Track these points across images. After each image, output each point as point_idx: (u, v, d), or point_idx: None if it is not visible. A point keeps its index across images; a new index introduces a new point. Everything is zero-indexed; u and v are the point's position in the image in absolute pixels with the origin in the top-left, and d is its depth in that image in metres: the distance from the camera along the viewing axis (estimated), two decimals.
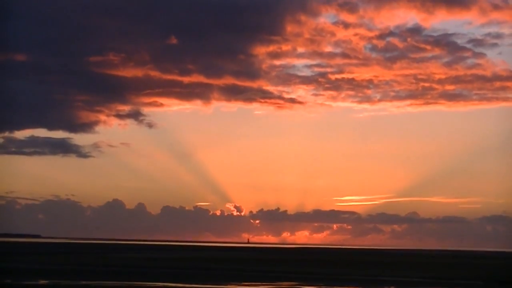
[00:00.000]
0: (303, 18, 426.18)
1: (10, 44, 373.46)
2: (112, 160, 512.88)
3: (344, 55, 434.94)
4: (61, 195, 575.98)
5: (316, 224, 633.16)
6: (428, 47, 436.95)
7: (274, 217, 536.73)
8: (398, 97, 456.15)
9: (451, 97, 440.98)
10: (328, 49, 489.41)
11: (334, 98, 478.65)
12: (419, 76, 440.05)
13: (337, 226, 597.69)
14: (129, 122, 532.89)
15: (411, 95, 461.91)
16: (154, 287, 56.82)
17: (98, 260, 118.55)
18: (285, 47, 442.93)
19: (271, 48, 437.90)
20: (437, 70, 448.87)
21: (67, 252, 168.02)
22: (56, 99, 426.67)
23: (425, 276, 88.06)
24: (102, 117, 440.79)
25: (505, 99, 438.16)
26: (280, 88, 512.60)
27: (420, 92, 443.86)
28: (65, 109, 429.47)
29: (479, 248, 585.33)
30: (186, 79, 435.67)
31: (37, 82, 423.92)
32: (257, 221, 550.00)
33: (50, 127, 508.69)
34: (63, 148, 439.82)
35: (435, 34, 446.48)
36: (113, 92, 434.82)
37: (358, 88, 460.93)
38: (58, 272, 76.74)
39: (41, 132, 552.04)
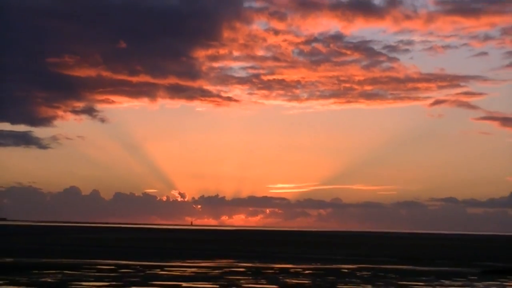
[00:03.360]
0: (238, 25, 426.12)
1: None
2: (69, 151, 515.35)
3: (275, 59, 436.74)
4: (24, 182, 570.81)
5: (251, 209, 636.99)
6: (349, 52, 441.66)
7: (213, 203, 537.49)
8: (323, 96, 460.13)
9: (369, 96, 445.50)
10: (261, 53, 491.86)
11: (266, 97, 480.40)
12: (341, 78, 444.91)
13: (269, 211, 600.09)
14: (84, 117, 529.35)
15: (334, 94, 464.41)
16: (106, 264, 56.63)
17: (57, 240, 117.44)
18: (223, 51, 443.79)
19: (210, 51, 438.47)
20: (357, 72, 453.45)
21: (29, 233, 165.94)
22: (18, 96, 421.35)
23: (347, 254, 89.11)
24: (60, 112, 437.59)
25: (416, 99, 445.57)
26: (218, 87, 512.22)
27: (342, 91, 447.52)
28: (26, 105, 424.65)
29: (394, 229, 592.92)
30: (134, 79, 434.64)
31: (0, 80, 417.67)
32: (199, 206, 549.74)
33: (13, 121, 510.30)
34: (25, 140, 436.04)
35: (354, 41, 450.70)
36: (69, 90, 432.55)
37: (287, 88, 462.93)
38: (21, 251, 75.90)
39: (5, 126, 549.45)
